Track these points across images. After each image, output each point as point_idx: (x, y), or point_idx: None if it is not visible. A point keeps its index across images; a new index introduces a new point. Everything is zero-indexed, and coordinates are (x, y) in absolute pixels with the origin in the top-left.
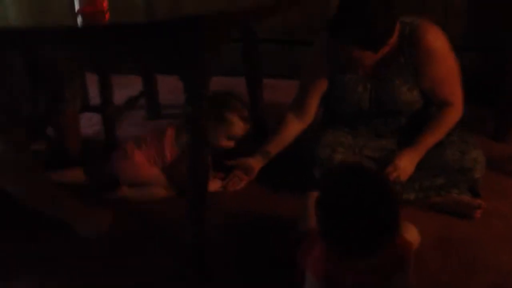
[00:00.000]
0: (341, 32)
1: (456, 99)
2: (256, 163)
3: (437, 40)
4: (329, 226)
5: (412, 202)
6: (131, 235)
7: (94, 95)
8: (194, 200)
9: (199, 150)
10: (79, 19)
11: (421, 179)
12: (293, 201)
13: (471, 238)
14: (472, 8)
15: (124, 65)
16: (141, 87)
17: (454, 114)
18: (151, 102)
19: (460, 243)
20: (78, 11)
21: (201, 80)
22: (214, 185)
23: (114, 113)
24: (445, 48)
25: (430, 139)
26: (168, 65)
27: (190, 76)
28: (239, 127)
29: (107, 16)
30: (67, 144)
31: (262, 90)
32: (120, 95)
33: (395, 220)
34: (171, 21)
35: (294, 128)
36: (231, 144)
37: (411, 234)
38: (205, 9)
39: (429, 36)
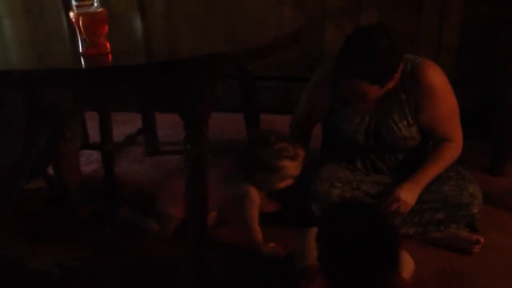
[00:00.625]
0: (350, 66)
1: (456, 135)
2: None
3: (438, 78)
4: (329, 258)
5: (411, 236)
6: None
7: (94, 132)
8: (194, 238)
9: (199, 188)
10: (83, 61)
11: (421, 214)
12: (290, 236)
13: (470, 273)
14: (465, 44)
15: (124, 103)
16: (140, 123)
17: (454, 149)
18: (149, 138)
19: (458, 278)
20: (82, 53)
21: (199, 118)
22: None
23: (113, 150)
24: (445, 85)
25: (431, 172)
26: (168, 104)
27: (189, 114)
28: (292, 168)
29: (110, 57)
30: (67, 182)
31: (260, 125)
32: (119, 132)
33: (394, 254)
34: (171, 62)
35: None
36: (289, 182)
37: (406, 261)
38: (202, 50)
39: (430, 73)
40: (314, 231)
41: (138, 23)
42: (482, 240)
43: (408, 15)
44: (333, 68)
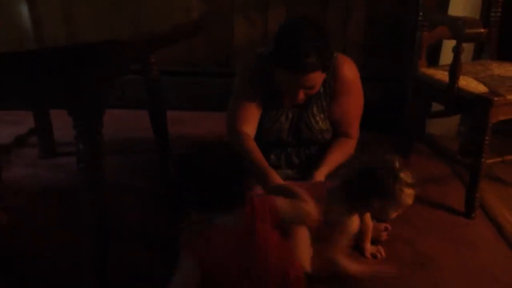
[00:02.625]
0: (308, 61)
1: (355, 134)
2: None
3: (352, 72)
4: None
5: None
6: None
7: None
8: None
9: (95, 191)
10: None
11: None
12: None
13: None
14: (369, 41)
15: (9, 100)
16: (32, 123)
17: (351, 148)
18: (44, 139)
19: None
20: None
21: (92, 115)
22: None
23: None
24: (357, 81)
25: (333, 163)
26: (55, 99)
27: (78, 110)
28: (411, 197)
29: None
30: None
31: (166, 123)
32: (8, 133)
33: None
34: (57, 49)
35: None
36: (400, 211)
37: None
38: (94, 37)
39: (346, 67)
40: None
41: (26, 9)
42: (389, 227)
43: (315, 11)
44: (258, 65)
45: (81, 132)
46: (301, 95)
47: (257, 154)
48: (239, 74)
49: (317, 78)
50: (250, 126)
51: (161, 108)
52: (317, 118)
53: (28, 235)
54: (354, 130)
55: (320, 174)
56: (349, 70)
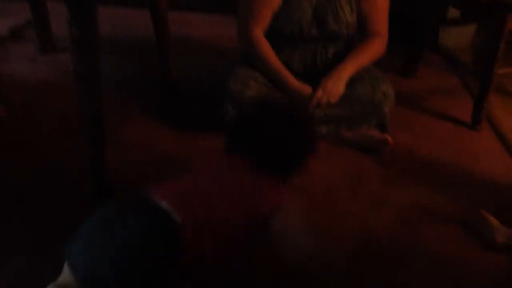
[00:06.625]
0: None
1: (384, 31)
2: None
3: None
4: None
5: (324, 136)
6: None
7: None
8: (91, 140)
9: (90, 80)
10: None
11: (334, 114)
12: (209, 136)
13: (378, 173)
14: None
15: None
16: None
17: (381, 45)
18: (42, 32)
19: (368, 180)
20: None
21: None
22: None
23: None
24: None
25: (358, 62)
26: None
27: None
28: None
29: None
30: None
31: (167, 23)
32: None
33: (307, 150)
34: None
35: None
36: None
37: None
38: None
39: None
40: None
41: None
42: (390, 139)
43: None
44: None
45: (74, 15)
46: None
47: (273, 58)
48: None
49: None
50: (262, 25)
51: (162, 8)
52: (345, 9)
53: (28, 130)
54: (384, 27)
55: (329, 80)
56: None
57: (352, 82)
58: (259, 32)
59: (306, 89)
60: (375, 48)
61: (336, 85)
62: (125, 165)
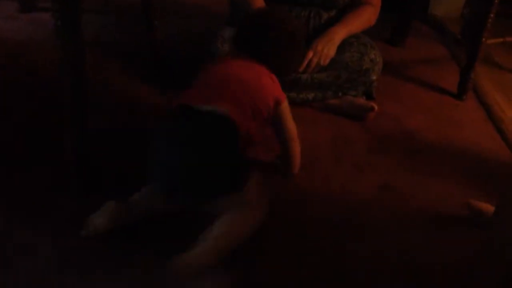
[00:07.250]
0: None
1: (376, 0)
2: None
3: None
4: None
5: (310, 101)
6: None
7: None
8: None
9: (72, 35)
10: None
11: (321, 79)
12: None
13: (362, 139)
14: None
15: None
16: None
17: (373, 14)
18: None
19: (352, 145)
20: None
21: None
22: None
23: None
24: None
25: (349, 27)
26: None
27: None
28: None
29: None
30: None
31: None
32: None
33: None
34: None
35: None
36: None
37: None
38: None
39: None
40: None
41: None
42: (376, 107)
43: None
44: None
45: None
46: None
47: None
48: None
49: None
50: None
51: None
52: None
53: (9, 92)
54: None
55: (320, 42)
56: None
57: (340, 48)
58: None
59: None
60: (367, 15)
61: (327, 47)
62: (108, 125)
